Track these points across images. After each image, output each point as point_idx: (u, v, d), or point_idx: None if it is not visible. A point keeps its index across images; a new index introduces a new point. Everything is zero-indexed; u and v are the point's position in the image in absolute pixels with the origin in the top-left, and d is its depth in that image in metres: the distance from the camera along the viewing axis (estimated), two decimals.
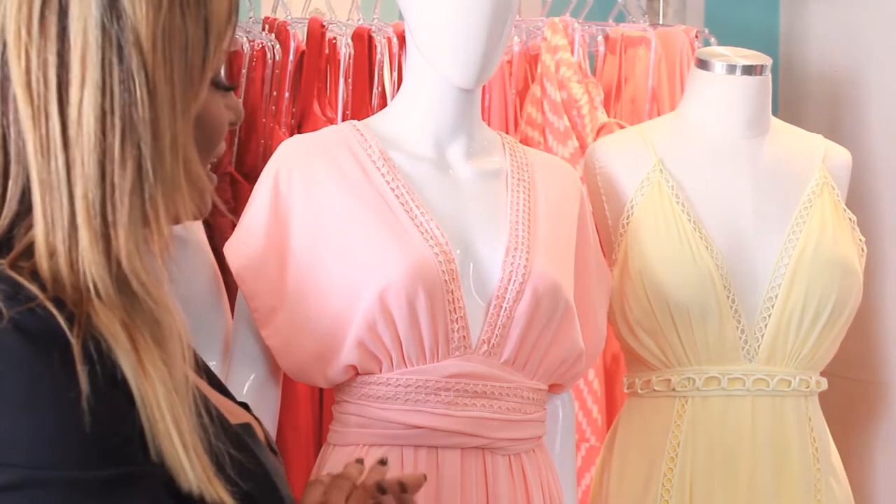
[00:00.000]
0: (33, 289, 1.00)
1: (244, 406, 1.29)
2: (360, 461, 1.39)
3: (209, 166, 1.20)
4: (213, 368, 1.32)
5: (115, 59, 1.01)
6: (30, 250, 1.03)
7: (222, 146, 1.18)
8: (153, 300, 1.03)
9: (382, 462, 1.39)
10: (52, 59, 1.00)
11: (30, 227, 1.03)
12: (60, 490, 0.98)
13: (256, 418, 1.28)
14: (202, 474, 1.01)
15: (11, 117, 1.02)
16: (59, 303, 1.00)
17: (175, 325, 1.04)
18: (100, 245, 1.01)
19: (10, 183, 1.03)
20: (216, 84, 1.13)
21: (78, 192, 1.01)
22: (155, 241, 1.03)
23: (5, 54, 1.01)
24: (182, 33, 1.04)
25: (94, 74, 1.00)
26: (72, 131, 1.00)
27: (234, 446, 1.07)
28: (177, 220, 1.07)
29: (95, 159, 1.01)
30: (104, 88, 1.00)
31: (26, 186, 1.02)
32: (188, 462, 1.01)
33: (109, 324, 1.00)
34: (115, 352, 1.00)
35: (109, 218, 1.01)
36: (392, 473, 1.39)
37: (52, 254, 1.01)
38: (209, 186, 1.09)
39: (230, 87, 1.20)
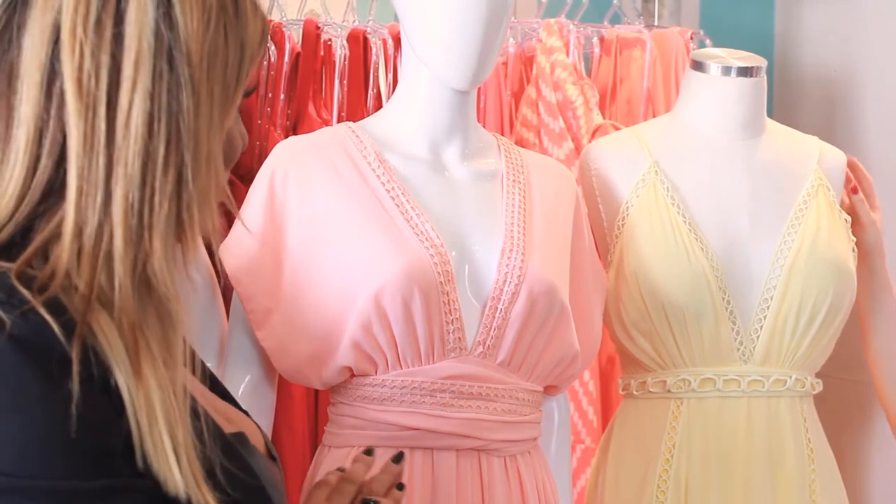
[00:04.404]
0: (27, 294, 1.00)
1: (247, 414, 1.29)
2: (368, 452, 1.39)
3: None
4: None
5: (165, 68, 1.03)
6: (45, 252, 1.03)
7: (227, 172, 1.19)
8: (172, 304, 1.04)
9: (396, 459, 1.39)
10: (106, 60, 1.03)
11: (49, 221, 1.04)
12: (43, 498, 0.98)
13: (258, 426, 1.28)
14: (191, 478, 1.01)
15: (53, 112, 1.03)
16: (58, 307, 1.00)
17: (184, 332, 1.05)
18: (131, 245, 1.03)
19: (38, 175, 1.04)
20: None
21: (118, 192, 1.02)
22: (189, 247, 1.05)
23: (57, 49, 1.03)
24: (224, 53, 1.07)
25: (145, 80, 1.03)
26: (118, 132, 1.02)
27: (225, 455, 1.07)
28: (204, 233, 1.09)
29: (140, 162, 1.02)
30: (153, 95, 1.03)
31: (52, 180, 1.04)
32: (177, 465, 1.01)
33: (107, 328, 1.01)
34: (110, 357, 1.00)
35: (146, 220, 1.03)
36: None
37: (76, 245, 1.02)
38: (224, 203, 1.11)
39: (249, 92, 1.21)
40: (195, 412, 1.05)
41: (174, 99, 1.03)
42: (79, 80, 1.02)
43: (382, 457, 1.87)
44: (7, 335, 0.99)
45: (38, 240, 1.03)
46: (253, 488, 1.13)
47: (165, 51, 1.03)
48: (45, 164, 1.04)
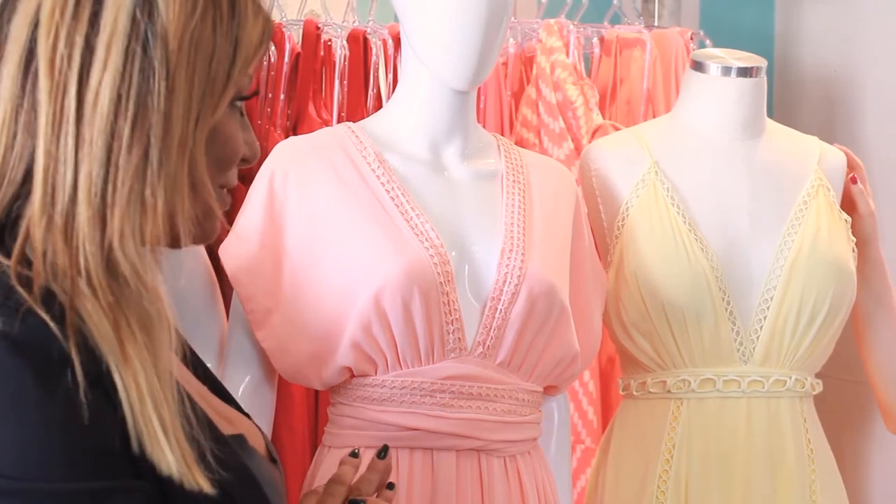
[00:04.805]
0: (24, 294, 1.00)
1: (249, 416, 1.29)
2: (353, 454, 1.38)
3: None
4: None
5: (139, 50, 1.04)
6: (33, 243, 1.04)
7: (234, 175, 1.19)
8: (142, 286, 1.04)
9: (381, 454, 1.38)
10: (80, 41, 1.04)
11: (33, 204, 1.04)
12: (43, 501, 0.98)
13: (259, 428, 1.28)
14: (181, 459, 1.02)
15: (28, 90, 1.05)
16: (50, 296, 1.01)
17: (163, 313, 1.05)
18: (97, 224, 1.03)
19: (15, 153, 1.05)
20: (240, 98, 1.16)
21: (83, 170, 1.03)
22: (149, 229, 1.04)
23: (36, 31, 1.05)
24: (210, 44, 1.08)
25: (116, 59, 1.04)
26: (87, 110, 1.03)
27: (215, 443, 1.07)
28: (177, 242, 1.08)
29: (104, 140, 1.03)
30: (124, 74, 1.04)
31: (30, 161, 1.05)
32: (168, 446, 1.01)
33: (93, 308, 1.01)
34: (98, 339, 1.00)
35: (109, 199, 1.03)
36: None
37: (49, 225, 1.03)
38: (216, 205, 1.11)
39: (249, 96, 1.21)
40: (181, 396, 1.06)
41: (145, 81, 1.04)
42: (51, 60, 1.04)
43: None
44: (5, 337, 0.99)
45: (24, 228, 1.04)
46: (242, 473, 1.13)
47: (141, 33, 1.04)
48: (23, 141, 1.05)
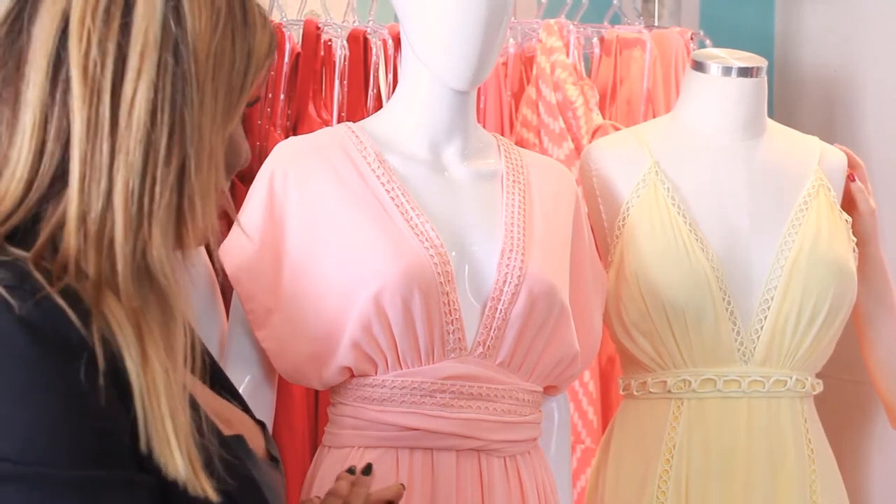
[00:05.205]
0: (41, 280, 1.01)
1: (260, 423, 1.30)
2: (350, 470, 1.42)
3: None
4: None
5: (171, 61, 1.06)
6: (54, 242, 1.05)
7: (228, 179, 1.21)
8: (171, 294, 1.05)
9: (366, 471, 1.43)
10: (112, 49, 1.05)
11: (57, 206, 1.05)
12: (47, 487, 0.99)
13: (264, 427, 1.29)
14: (189, 465, 1.02)
15: (59, 97, 1.06)
16: (73, 295, 1.01)
17: (185, 322, 1.06)
18: (131, 232, 1.05)
19: (45, 160, 1.06)
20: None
21: (119, 178, 1.04)
22: (184, 238, 1.07)
23: (65, 38, 1.06)
24: (230, 56, 1.10)
25: (149, 71, 1.05)
26: (121, 119, 1.05)
27: (222, 448, 1.08)
28: (203, 230, 1.10)
29: (141, 151, 1.05)
30: (157, 86, 1.05)
31: (60, 166, 1.05)
32: (178, 451, 1.02)
33: (117, 312, 1.02)
34: (120, 340, 1.01)
35: (146, 209, 1.05)
36: (386, 478, 1.42)
37: (81, 230, 1.04)
38: (224, 209, 1.14)
39: (252, 103, 1.23)
40: (193, 404, 1.07)
41: (178, 92, 1.06)
42: (84, 67, 1.04)
43: (383, 458, 1.89)
44: (17, 319, 0.99)
45: (47, 228, 1.05)
46: (246, 480, 1.13)
47: (171, 45, 1.06)
48: (52, 148, 1.06)
